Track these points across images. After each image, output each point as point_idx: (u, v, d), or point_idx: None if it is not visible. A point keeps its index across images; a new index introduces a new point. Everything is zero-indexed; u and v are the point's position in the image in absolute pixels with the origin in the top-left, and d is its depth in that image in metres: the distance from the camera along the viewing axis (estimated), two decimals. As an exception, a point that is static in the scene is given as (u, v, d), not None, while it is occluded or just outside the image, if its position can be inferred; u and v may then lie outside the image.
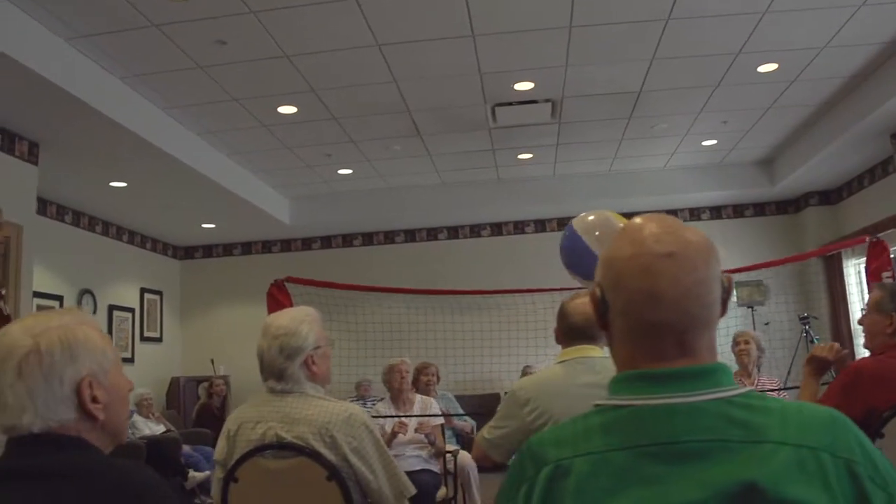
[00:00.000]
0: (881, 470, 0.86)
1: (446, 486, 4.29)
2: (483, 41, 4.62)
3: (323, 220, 8.38)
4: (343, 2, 4.05)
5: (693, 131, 6.61)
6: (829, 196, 7.95)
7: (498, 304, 7.68)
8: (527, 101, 5.67)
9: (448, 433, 4.86)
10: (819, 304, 7.73)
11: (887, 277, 4.53)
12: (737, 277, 6.53)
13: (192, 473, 6.02)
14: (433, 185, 8.06)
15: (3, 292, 3.19)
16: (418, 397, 4.46)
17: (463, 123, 6.15)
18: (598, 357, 2.35)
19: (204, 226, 8.23)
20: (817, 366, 2.48)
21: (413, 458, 4.07)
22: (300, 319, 2.10)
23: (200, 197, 6.92)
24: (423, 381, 5.06)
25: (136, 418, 6.47)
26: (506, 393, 7.77)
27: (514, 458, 0.99)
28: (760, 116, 6.27)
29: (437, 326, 7.53)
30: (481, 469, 4.69)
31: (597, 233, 3.65)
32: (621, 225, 3.62)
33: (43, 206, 6.46)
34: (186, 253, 9.31)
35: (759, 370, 4.47)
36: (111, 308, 7.67)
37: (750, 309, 7.67)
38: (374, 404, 5.17)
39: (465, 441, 5.27)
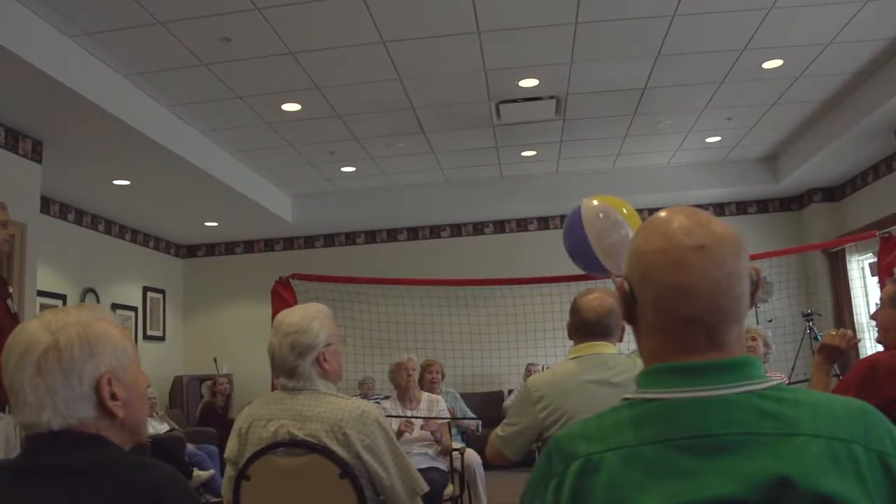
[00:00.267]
0: None
1: (453, 483, 4.29)
2: (488, 38, 4.61)
3: (326, 218, 8.38)
4: (348, -2, 4.04)
5: (697, 128, 6.60)
6: (833, 193, 7.94)
7: (503, 299, 7.66)
8: (531, 97, 5.66)
9: (453, 431, 4.86)
10: (823, 301, 7.73)
11: None
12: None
13: (196, 472, 6.02)
14: (436, 183, 8.06)
15: (11, 290, 3.18)
16: (425, 395, 4.45)
17: (467, 120, 6.14)
18: (611, 353, 2.35)
19: (207, 224, 8.22)
20: (829, 354, 2.45)
21: (420, 455, 4.06)
22: (311, 316, 2.09)
23: (204, 195, 6.91)
24: (427, 378, 5.06)
25: (140, 417, 6.45)
26: (510, 391, 7.83)
27: (540, 454, 0.98)
28: (764, 113, 6.26)
29: (440, 322, 7.51)
30: (487, 467, 4.69)
31: (600, 215, 3.67)
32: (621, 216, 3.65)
33: (46, 204, 6.45)
34: (189, 251, 9.31)
35: (765, 366, 4.47)
36: (114, 307, 7.66)
37: (754, 306, 7.65)
38: (378, 402, 5.16)
39: (470, 439, 5.27)
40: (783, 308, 7.60)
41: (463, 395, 5.96)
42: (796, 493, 0.80)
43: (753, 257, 6.40)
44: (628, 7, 4.31)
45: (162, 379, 8.10)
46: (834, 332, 2.48)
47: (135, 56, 4.61)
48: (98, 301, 7.38)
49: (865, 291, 7.50)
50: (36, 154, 5.17)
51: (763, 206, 8.41)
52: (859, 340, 2.59)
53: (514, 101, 5.70)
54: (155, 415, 6.66)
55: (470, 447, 4.86)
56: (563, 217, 8.22)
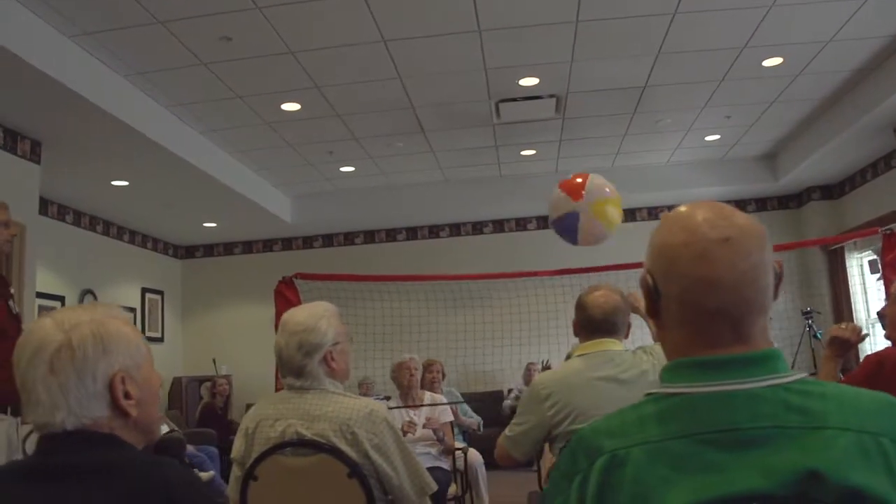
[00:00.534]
0: None
1: (456, 483, 4.27)
2: (489, 36, 4.60)
3: (324, 219, 8.36)
4: (349, -3, 4.03)
5: (696, 126, 6.60)
6: (832, 190, 7.95)
7: (499, 301, 7.65)
8: (531, 96, 5.65)
9: (455, 430, 4.84)
10: (822, 299, 7.74)
11: None
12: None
13: (196, 474, 6.00)
14: (435, 182, 8.05)
15: (13, 291, 3.16)
16: (427, 395, 4.45)
17: (467, 119, 6.13)
18: (617, 350, 2.34)
19: (205, 225, 8.20)
20: (840, 347, 2.45)
21: (423, 455, 4.05)
22: (319, 315, 2.07)
23: (202, 195, 6.89)
24: (428, 378, 5.05)
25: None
26: (509, 390, 7.82)
27: (563, 451, 0.97)
28: (764, 111, 6.26)
29: (440, 322, 7.51)
30: (489, 467, 4.69)
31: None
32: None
33: (44, 205, 6.42)
34: (187, 252, 9.28)
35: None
36: (113, 308, 7.62)
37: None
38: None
39: (471, 438, 5.27)
40: (782, 306, 7.61)
41: (463, 395, 5.96)
42: (825, 486, 0.80)
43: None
44: (629, 5, 4.31)
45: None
46: (843, 326, 2.48)
47: (134, 56, 4.59)
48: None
49: (864, 289, 7.51)
50: (35, 155, 5.14)
51: (762, 204, 8.42)
52: (867, 334, 2.60)
53: (514, 99, 5.70)
54: (155, 416, 6.62)
55: (471, 447, 4.85)
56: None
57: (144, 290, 8.35)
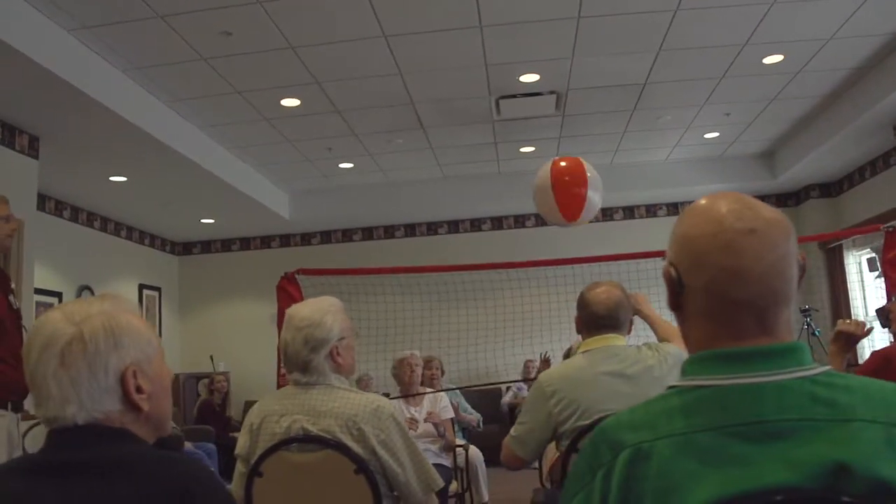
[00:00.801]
0: None
1: (457, 480, 4.27)
2: (490, 32, 4.59)
3: (322, 215, 8.34)
4: (351, -8, 4.01)
5: (696, 124, 6.60)
6: (830, 188, 7.96)
7: (495, 298, 7.64)
8: (531, 93, 5.64)
9: (455, 427, 4.83)
10: (820, 296, 7.75)
11: None
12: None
13: (212, 468, 5.97)
14: (434, 179, 8.03)
15: (13, 286, 3.14)
16: (428, 391, 4.43)
17: (467, 116, 6.12)
18: (621, 345, 2.33)
19: (203, 221, 8.17)
20: (845, 342, 2.48)
21: (424, 452, 4.03)
22: (324, 310, 2.06)
23: (200, 191, 6.86)
24: (427, 375, 5.04)
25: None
26: (507, 387, 7.81)
27: (584, 444, 0.96)
28: (763, 108, 6.26)
29: (439, 319, 7.48)
30: (489, 464, 4.68)
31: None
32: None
33: (42, 201, 6.37)
34: (185, 248, 9.25)
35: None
36: (110, 305, 7.59)
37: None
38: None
39: (471, 435, 5.26)
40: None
41: (461, 392, 5.94)
42: (854, 479, 0.79)
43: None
44: (631, 2, 4.30)
45: (158, 377, 8.03)
46: (849, 321, 2.52)
47: (134, 50, 4.56)
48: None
49: (863, 287, 7.53)
50: (33, 150, 5.11)
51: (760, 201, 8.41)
52: (872, 328, 2.64)
53: (515, 96, 5.69)
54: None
55: (471, 444, 4.84)
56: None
57: (142, 287, 8.31)
